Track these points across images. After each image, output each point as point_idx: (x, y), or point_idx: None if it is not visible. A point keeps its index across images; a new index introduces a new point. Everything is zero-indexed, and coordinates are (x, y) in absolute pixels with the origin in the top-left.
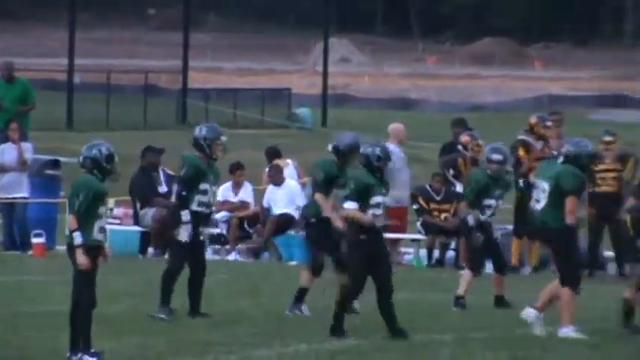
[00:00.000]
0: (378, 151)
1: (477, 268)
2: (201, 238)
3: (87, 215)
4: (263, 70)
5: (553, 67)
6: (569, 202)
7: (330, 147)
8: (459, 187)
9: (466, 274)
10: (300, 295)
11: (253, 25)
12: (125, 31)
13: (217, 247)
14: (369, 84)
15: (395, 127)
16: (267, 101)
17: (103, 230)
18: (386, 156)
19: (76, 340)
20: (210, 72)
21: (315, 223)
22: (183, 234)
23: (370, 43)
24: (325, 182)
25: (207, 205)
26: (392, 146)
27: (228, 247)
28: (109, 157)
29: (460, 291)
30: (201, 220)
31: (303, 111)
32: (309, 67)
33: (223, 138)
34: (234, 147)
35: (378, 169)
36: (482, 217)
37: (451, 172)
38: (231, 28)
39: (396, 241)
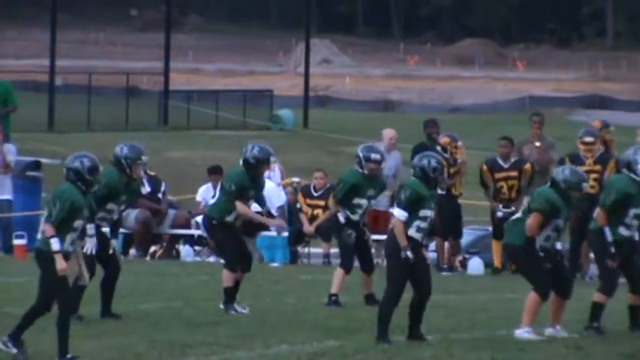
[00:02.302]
0: (434, 162)
1: (349, 266)
2: (111, 251)
3: (61, 226)
4: (245, 71)
5: (535, 69)
6: (532, 217)
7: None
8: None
9: (338, 272)
10: (228, 295)
11: (235, 27)
12: (106, 32)
13: (198, 248)
14: (350, 85)
15: (386, 132)
16: (249, 102)
17: (73, 243)
18: (442, 167)
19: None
20: (191, 73)
21: (217, 225)
22: (89, 247)
23: (352, 45)
24: (239, 191)
25: (109, 220)
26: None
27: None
28: (92, 169)
29: (334, 289)
30: (101, 233)
31: (284, 112)
32: (290, 68)
33: (144, 158)
34: (215, 148)
35: (433, 180)
36: (354, 217)
37: None
38: (212, 29)
39: (381, 243)
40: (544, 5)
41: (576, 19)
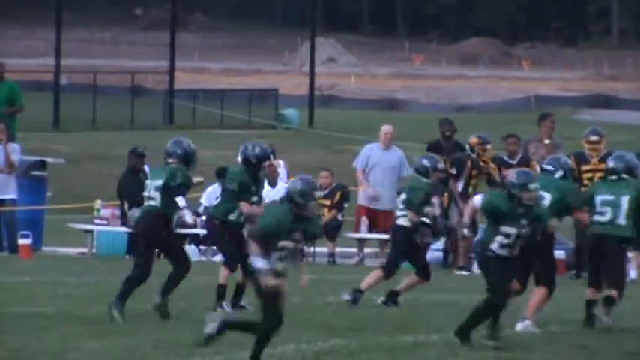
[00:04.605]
0: (523, 179)
1: (391, 272)
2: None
3: (265, 241)
4: (250, 70)
5: (540, 68)
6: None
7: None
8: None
9: (377, 273)
10: (220, 293)
11: (240, 26)
12: (111, 31)
13: (203, 248)
14: (355, 84)
15: (383, 128)
16: (255, 102)
17: (281, 261)
18: (526, 184)
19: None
20: (197, 72)
21: (220, 225)
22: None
23: (357, 43)
24: (241, 189)
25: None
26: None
27: (215, 248)
28: (305, 193)
29: (364, 286)
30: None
31: (289, 111)
32: (296, 67)
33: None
34: (221, 148)
35: (518, 199)
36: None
37: (453, 170)
38: (217, 28)
39: (385, 242)
40: (549, 4)
41: (582, 17)
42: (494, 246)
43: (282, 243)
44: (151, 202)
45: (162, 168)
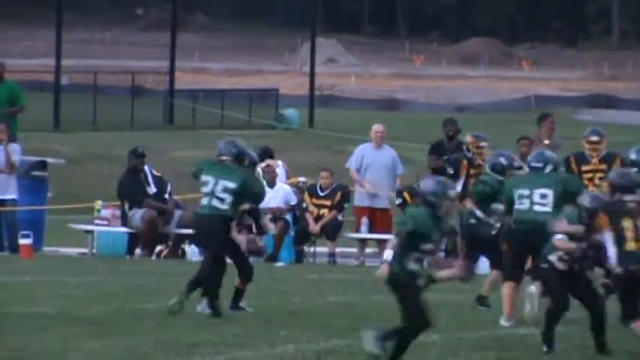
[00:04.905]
0: (595, 204)
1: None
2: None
3: (409, 245)
4: (250, 70)
5: (540, 68)
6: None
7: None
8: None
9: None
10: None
11: (240, 26)
12: (112, 31)
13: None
14: (356, 84)
15: (374, 126)
16: (255, 102)
17: (418, 262)
18: (597, 209)
19: None
20: (197, 73)
21: None
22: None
23: (357, 44)
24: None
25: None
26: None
27: None
28: (437, 193)
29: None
30: None
31: (290, 112)
32: (296, 67)
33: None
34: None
35: (585, 222)
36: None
37: (450, 170)
38: (218, 28)
39: (383, 242)
40: (549, 4)
41: (582, 17)
42: (552, 258)
43: (425, 246)
44: (216, 203)
45: (231, 169)
